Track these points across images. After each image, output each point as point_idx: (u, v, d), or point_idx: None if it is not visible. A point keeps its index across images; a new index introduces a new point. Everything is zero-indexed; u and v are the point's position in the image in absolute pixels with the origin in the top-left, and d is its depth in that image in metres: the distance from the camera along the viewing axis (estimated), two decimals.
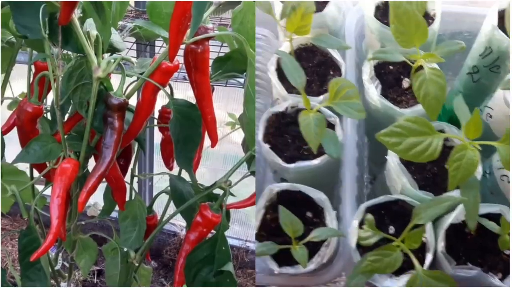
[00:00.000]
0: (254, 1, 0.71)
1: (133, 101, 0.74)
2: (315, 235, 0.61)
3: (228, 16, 0.77)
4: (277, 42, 0.87)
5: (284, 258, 0.63)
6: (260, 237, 0.66)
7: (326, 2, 0.78)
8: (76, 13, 0.66)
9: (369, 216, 0.60)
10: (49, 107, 0.82)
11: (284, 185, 0.66)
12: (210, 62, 0.72)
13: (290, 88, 0.73)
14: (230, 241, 1.23)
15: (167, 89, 0.75)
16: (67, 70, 0.72)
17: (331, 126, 0.69)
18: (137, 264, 0.85)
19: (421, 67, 0.64)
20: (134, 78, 0.72)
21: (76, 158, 0.76)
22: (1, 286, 0.79)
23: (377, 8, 0.77)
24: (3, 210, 0.92)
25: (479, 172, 0.60)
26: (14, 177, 0.90)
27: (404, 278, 0.59)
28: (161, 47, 1.20)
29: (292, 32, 0.71)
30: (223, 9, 0.69)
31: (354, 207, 0.67)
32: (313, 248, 0.63)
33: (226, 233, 0.69)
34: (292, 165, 0.67)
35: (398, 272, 0.60)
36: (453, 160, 0.57)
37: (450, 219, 0.60)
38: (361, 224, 0.62)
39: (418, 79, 0.62)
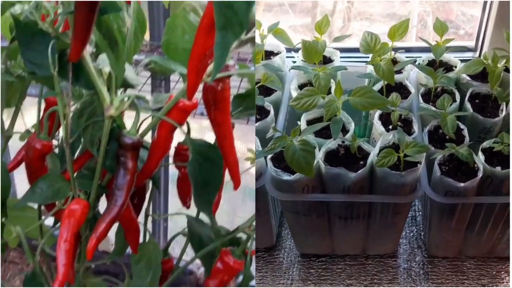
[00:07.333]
0: None
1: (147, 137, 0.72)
2: None
3: (246, 50, 0.74)
4: None
5: None
6: None
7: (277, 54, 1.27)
8: (88, 49, 0.63)
9: None
10: (59, 143, 0.78)
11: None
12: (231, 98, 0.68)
13: None
14: None
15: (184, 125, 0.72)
16: (78, 107, 0.69)
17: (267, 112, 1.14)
18: None
19: None
20: (148, 114, 0.69)
21: (86, 198, 0.71)
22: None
23: None
24: (11, 244, 0.87)
25: (344, 115, 1.04)
26: (21, 213, 0.85)
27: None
28: (176, 82, 1.17)
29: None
30: (242, 43, 0.65)
31: None
32: None
33: None
34: None
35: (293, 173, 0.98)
36: (326, 106, 1.01)
37: (329, 144, 1.01)
38: None
39: None
